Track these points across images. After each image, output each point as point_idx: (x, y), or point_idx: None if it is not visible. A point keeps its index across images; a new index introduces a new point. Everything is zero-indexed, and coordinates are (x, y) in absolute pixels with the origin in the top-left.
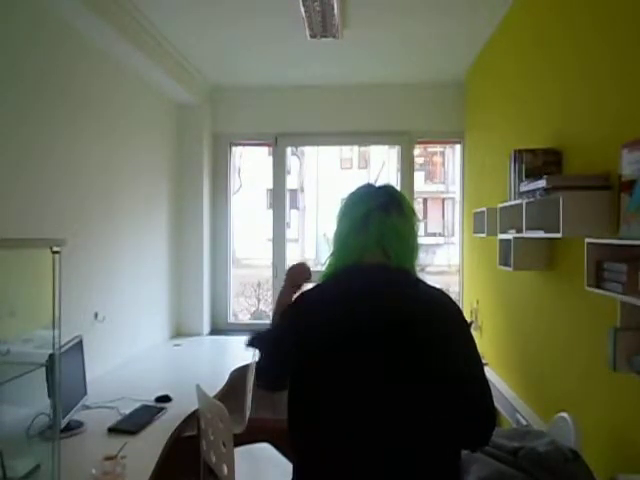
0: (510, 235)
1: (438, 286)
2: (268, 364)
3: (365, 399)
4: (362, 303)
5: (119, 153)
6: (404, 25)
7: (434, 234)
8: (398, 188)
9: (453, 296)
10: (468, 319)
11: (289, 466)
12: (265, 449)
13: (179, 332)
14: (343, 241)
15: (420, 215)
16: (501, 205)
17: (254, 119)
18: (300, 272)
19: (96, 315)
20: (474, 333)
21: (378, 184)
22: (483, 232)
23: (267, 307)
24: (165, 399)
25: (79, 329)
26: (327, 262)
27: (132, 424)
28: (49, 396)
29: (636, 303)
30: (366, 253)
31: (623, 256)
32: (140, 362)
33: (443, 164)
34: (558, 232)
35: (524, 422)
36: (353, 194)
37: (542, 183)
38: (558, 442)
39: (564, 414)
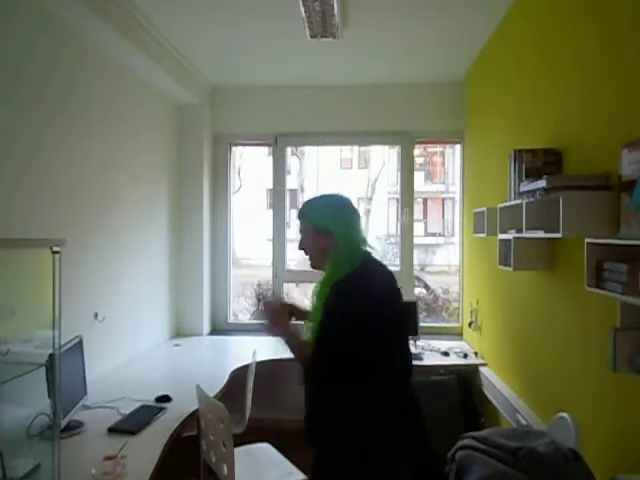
0: (510, 235)
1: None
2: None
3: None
4: (396, 289)
5: (119, 153)
6: (404, 25)
7: (434, 234)
8: (398, 188)
9: (453, 296)
10: (468, 319)
11: (289, 466)
12: (265, 449)
13: (179, 332)
14: (355, 239)
15: (420, 215)
16: (501, 205)
17: (254, 119)
18: (281, 310)
19: (96, 315)
20: (473, 333)
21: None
22: (483, 232)
23: None
24: (165, 399)
25: (79, 329)
26: (348, 255)
27: (132, 424)
28: (49, 396)
29: (636, 303)
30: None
31: (623, 256)
32: (140, 362)
33: (443, 164)
34: (558, 232)
35: (524, 422)
36: (343, 203)
37: (542, 183)
38: (558, 442)
39: (564, 414)
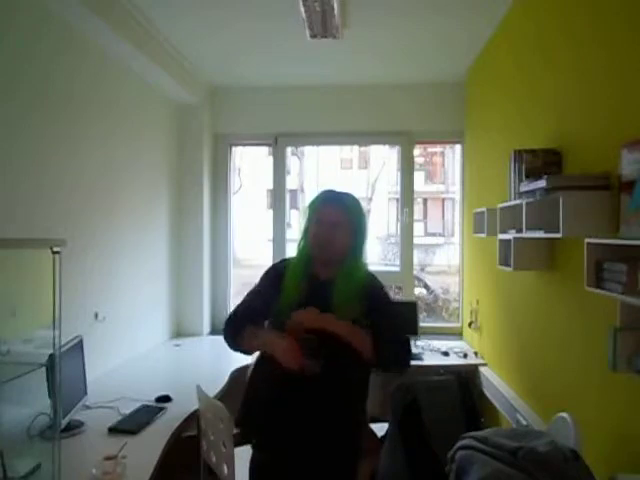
0: (510, 235)
1: None
2: None
3: None
4: None
5: (120, 153)
6: (404, 25)
7: (434, 234)
8: (398, 188)
9: (453, 296)
10: (468, 319)
11: None
12: None
13: (179, 332)
14: None
15: (420, 215)
16: (501, 205)
17: (254, 119)
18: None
19: (96, 315)
20: (473, 333)
21: None
22: (483, 232)
23: None
24: (165, 399)
25: (79, 329)
26: None
27: (132, 424)
28: (49, 396)
29: (636, 303)
30: None
31: (623, 256)
32: (140, 362)
33: (443, 164)
34: (558, 232)
35: (524, 422)
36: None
37: (542, 183)
38: (558, 442)
39: (564, 414)
